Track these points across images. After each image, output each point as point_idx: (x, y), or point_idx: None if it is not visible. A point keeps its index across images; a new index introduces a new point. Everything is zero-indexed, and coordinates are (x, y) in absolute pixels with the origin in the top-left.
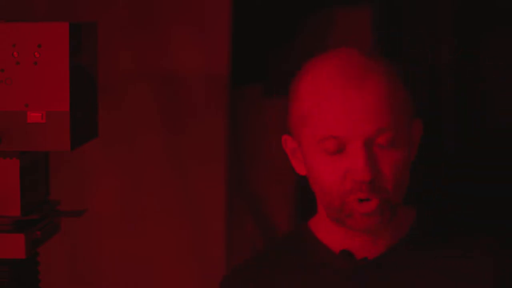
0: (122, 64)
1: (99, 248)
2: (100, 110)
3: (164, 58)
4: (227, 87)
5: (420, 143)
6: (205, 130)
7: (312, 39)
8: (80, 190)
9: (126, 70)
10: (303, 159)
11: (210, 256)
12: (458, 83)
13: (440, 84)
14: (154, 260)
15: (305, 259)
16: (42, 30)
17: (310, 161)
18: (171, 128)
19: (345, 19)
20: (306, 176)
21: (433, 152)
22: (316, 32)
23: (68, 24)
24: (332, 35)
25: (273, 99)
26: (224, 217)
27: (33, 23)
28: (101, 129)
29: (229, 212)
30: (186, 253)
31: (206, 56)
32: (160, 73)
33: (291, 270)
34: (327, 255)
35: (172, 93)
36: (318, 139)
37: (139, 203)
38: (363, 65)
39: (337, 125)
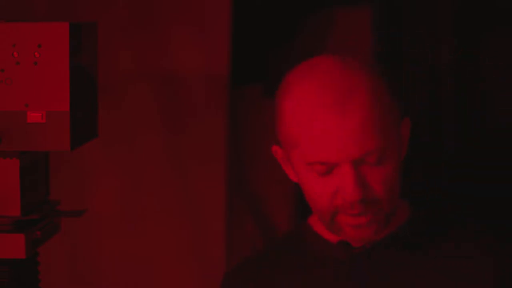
0: (122, 64)
1: (99, 248)
2: (100, 110)
3: (164, 58)
4: (227, 87)
5: (420, 143)
6: (205, 130)
7: (312, 39)
8: (80, 190)
9: (126, 70)
10: (293, 168)
11: (210, 256)
12: (458, 83)
13: (440, 84)
14: (154, 260)
15: (304, 253)
16: (42, 30)
17: (300, 177)
18: (171, 128)
19: (345, 19)
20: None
21: (433, 152)
22: (316, 32)
23: (68, 24)
24: (332, 35)
25: (273, 99)
26: (224, 217)
27: (33, 23)
28: (101, 129)
29: (229, 212)
30: (186, 253)
31: (206, 56)
32: (160, 73)
33: (291, 268)
34: (326, 247)
35: (172, 93)
36: (307, 162)
37: (139, 203)
38: (347, 85)
39: (324, 152)
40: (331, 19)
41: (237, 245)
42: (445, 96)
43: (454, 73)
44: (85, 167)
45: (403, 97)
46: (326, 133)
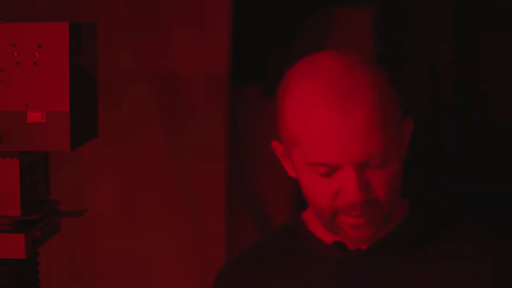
0: (122, 64)
1: (99, 248)
2: (100, 110)
3: (164, 58)
4: (227, 87)
5: (420, 143)
6: (205, 130)
7: (312, 39)
8: (80, 190)
9: (126, 70)
10: (293, 167)
11: (210, 256)
12: (458, 83)
13: (440, 84)
14: (154, 260)
15: (298, 252)
16: (42, 30)
17: (301, 176)
18: (171, 128)
19: (345, 19)
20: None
21: (433, 152)
22: (316, 32)
23: (68, 24)
24: (332, 35)
25: (273, 99)
26: (224, 217)
27: (33, 23)
28: (101, 129)
29: (229, 212)
30: (186, 253)
31: (206, 56)
32: (160, 73)
33: (284, 263)
34: (320, 247)
35: (172, 93)
36: (308, 163)
37: (139, 203)
38: (350, 82)
39: (327, 154)
40: (331, 19)
41: (237, 245)
42: (445, 96)
43: (454, 73)
44: (85, 167)
45: (404, 96)
46: (328, 134)
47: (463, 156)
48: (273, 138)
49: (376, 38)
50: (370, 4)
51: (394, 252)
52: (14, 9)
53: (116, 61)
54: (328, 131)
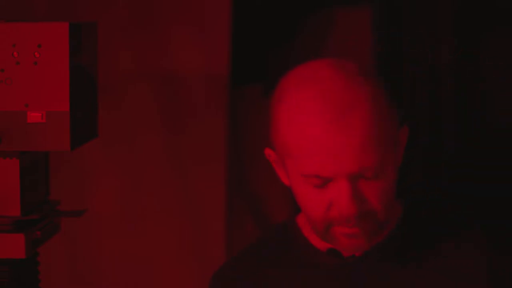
0: (122, 64)
1: (99, 248)
2: (100, 110)
3: (164, 58)
4: (227, 87)
5: (420, 143)
6: (205, 130)
7: (312, 39)
8: (80, 190)
9: (126, 70)
10: (287, 174)
11: (210, 256)
12: (458, 83)
13: (440, 84)
14: (154, 260)
15: (293, 257)
16: (42, 30)
17: (294, 186)
18: (171, 128)
19: (345, 19)
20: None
21: (433, 152)
22: (316, 32)
23: (68, 24)
24: (332, 35)
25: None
26: (224, 217)
27: (33, 23)
28: (101, 129)
29: (229, 212)
30: (186, 253)
31: (206, 56)
32: (160, 73)
33: (280, 269)
34: (315, 253)
35: (172, 93)
36: (302, 174)
37: (139, 203)
38: (346, 96)
39: (321, 166)
40: (331, 19)
41: (237, 245)
42: (445, 96)
43: (454, 73)
44: (85, 167)
45: (403, 103)
46: (322, 147)
47: (463, 156)
48: (266, 141)
49: (376, 38)
50: (370, 4)
51: (389, 257)
52: (14, 9)
53: (116, 61)
54: (322, 144)
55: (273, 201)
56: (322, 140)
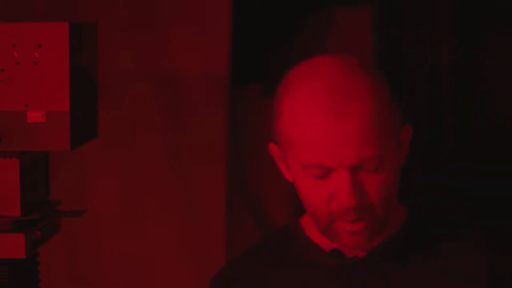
0: (122, 64)
1: (99, 248)
2: (100, 110)
3: (164, 58)
4: (227, 87)
5: (420, 143)
6: (205, 130)
7: (312, 39)
8: (80, 190)
9: (126, 70)
10: (289, 169)
11: (210, 256)
12: (458, 83)
13: (440, 84)
14: (154, 260)
15: (295, 257)
16: (42, 30)
17: (296, 180)
18: (171, 128)
19: (345, 19)
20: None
21: (433, 152)
22: (316, 32)
23: (68, 24)
24: (332, 35)
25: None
26: (224, 217)
27: (33, 23)
28: (101, 129)
29: (229, 212)
30: (186, 253)
31: (206, 56)
32: (160, 73)
33: (281, 269)
34: (318, 254)
35: (172, 93)
36: (303, 165)
37: (139, 203)
38: (348, 87)
39: (321, 156)
40: (331, 19)
41: (237, 245)
42: (445, 96)
43: (454, 73)
44: (85, 167)
45: (404, 103)
46: (323, 135)
47: (463, 156)
48: (270, 136)
49: (376, 38)
50: (370, 4)
51: (390, 258)
52: (14, 9)
53: (116, 61)
54: (323, 132)
55: (273, 201)
56: (322, 129)
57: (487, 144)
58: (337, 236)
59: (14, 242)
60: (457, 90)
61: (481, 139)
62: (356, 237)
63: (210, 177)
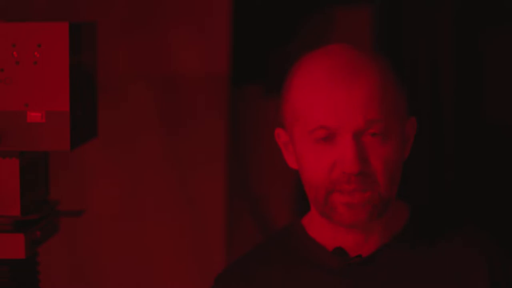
0: (122, 64)
1: (99, 248)
2: (100, 110)
3: (164, 58)
4: (227, 87)
5: (420, 143)
6: (205, 130)
7: (312, 39)
8: (80, 190)
9: (126, 70)
10: (294, 153)
11: (210, 256)
12: (458, 83)
13: (440, 84)
14: (154, 260)
15: (298, 257)
16: (42, 30)
17: (300, 152)
18: (171, 128)
19: (345, 19)
20: (298, 170)
21: (433, 152)
22: (316, 32)
23: (68, 24)
24: (332, 35)
25: (273, 99)
26: (224, 217)
27: (33, 23)
28: (101, 129)
29: (229, 212)
30: (186, 253)
31: (206, 56)
32: (160, 73)
33: (284, 269)
34: (321, 253)
35: (172, 93)
36: (309, 130)
37: (139, 203)
38: (354, 60)
39: (327, 116)
40: (331, 19)
41: (237, 245)
42: (445, 96)
43: (454, 72)
44: (85, 167)
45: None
46: (330, 99)
47: (462, 157)
48: (274, 138)
49: (376, 38)
50: (370, 4)
51: (393, 259)
52: (14, 9)
53: (116, 61)
54: (329, 94)
55: (273, 201)
56: (328, 90)
57: (486, 145)
58: (334, 211)
59: (14, 242)
60: (457, 90)
61: (481, 140)
62: (354, 211)
63: (210, 177)
